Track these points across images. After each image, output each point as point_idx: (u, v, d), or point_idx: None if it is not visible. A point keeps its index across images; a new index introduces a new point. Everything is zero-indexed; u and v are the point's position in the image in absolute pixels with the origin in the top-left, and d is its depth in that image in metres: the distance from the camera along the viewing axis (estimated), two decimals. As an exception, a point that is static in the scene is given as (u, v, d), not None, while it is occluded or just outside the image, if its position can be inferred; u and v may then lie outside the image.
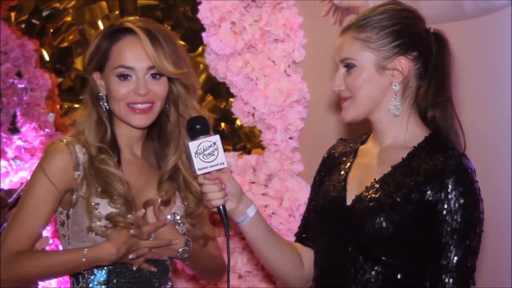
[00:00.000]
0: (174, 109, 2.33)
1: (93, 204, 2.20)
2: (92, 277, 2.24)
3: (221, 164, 2.05)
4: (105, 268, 2.24)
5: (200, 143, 2.04)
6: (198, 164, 2.04)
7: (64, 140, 2.25)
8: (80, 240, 2.23)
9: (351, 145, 2.24)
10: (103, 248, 2.19)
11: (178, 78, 2.28)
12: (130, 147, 2.34)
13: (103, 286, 2.25)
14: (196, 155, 2.04)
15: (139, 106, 2.24)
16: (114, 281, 2.25)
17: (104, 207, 2.21)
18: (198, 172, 2.06)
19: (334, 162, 2.23)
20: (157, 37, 2.23)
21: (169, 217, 2.31)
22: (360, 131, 2.29)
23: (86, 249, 2.19)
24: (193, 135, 2.08)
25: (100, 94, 2.29)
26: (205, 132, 2.08)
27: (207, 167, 2.05)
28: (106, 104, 2.29)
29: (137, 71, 2.23)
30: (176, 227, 2.31)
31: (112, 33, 2.27)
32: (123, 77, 2.24)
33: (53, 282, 3.75)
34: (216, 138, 2.06)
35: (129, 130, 2.31)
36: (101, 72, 2.28)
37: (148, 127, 2.34)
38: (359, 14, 2.11)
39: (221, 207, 2.09)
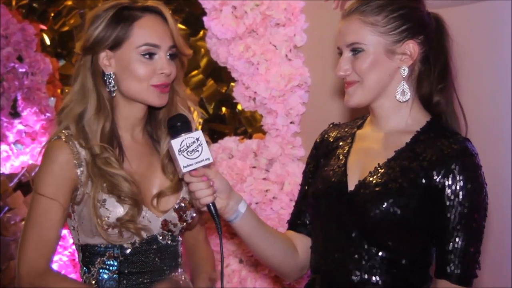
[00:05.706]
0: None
1: (100, 200, 2.16)
2: (104, 266, 2.24)
3: (206, 159, 2.01)
4: (117, 258, 2.23)
5: (183, 140, 2.00)
6: (183, 161, 2.00)
7: (63, 136, 2.19)
8: (90, 234, 2.22)
9: (346, 129, 2.23)
10: None
11: (180, 60, 2.28)
12: (131, 131, 2.30)
13: (114, 275, 2.23)
14: (180, 153, 1.99)
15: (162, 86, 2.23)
16: (126, 271, 2.23)
17: (112, 204, 2.18)
18: (184, 170, 2.00)
19: (329, 147, 2.21)
20: (173, 18, 2.25)
21: (176, 206, 2.29)
22: (361, 115, 2.28)
23: None
24: (175, 133, 2.03)
25: (108, 73, 2.23)
26: (186, 129, 2.04)
27: (192, 164, 2.00)
28: (113, 84, 2.23)
29: (161, 49, 2.21)
30: (184, 213, 2.30)
31: (130, 11, 2.22)
32: (149, 55, 2.20)
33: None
34: (199, 133, 2.01)
35: (132, 112, 2.27)
36: (112, 51, 2.22)
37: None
38: None
39: (211, 205, 2.04)
